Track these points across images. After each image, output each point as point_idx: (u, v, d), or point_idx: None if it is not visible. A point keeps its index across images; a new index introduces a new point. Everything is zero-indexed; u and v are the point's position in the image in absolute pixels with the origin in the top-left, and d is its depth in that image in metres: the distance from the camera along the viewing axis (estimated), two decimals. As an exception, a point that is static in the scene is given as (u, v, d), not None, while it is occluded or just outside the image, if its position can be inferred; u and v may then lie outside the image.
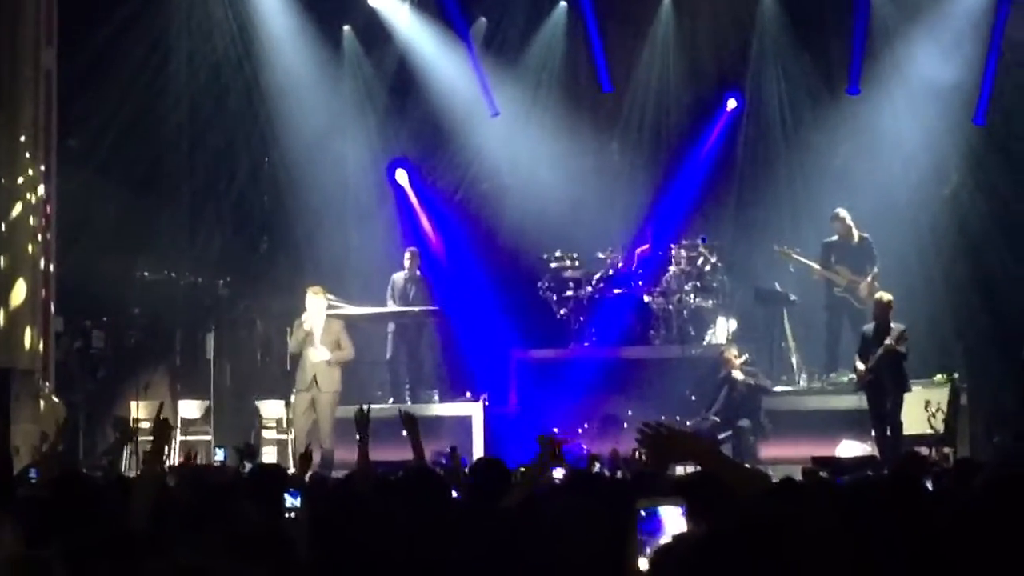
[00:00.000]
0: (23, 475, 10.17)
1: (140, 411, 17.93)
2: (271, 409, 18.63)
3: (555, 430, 16.71)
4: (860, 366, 16.21)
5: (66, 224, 17.79)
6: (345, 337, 16.80)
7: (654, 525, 3.37)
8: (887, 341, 15.79)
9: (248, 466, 10.53)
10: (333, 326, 16.80)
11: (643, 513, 3.39)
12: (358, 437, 8.67)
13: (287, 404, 18.33)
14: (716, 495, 4.33)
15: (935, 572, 3.26)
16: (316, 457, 15.96)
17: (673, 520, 3.38)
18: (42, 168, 17.26)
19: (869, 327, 16.40)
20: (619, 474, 10.77)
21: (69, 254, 17.86)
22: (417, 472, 6.79)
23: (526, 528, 4.58)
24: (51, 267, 17.34)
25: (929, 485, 7.76)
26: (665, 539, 3.26)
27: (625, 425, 17.58)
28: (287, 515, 5.98)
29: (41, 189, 17.19)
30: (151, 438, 7.45)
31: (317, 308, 16.69)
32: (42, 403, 16.56)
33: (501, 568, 3.43)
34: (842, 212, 18.54)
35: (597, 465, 11.89)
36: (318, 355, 16.47)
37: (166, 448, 7.44)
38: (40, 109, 17.29)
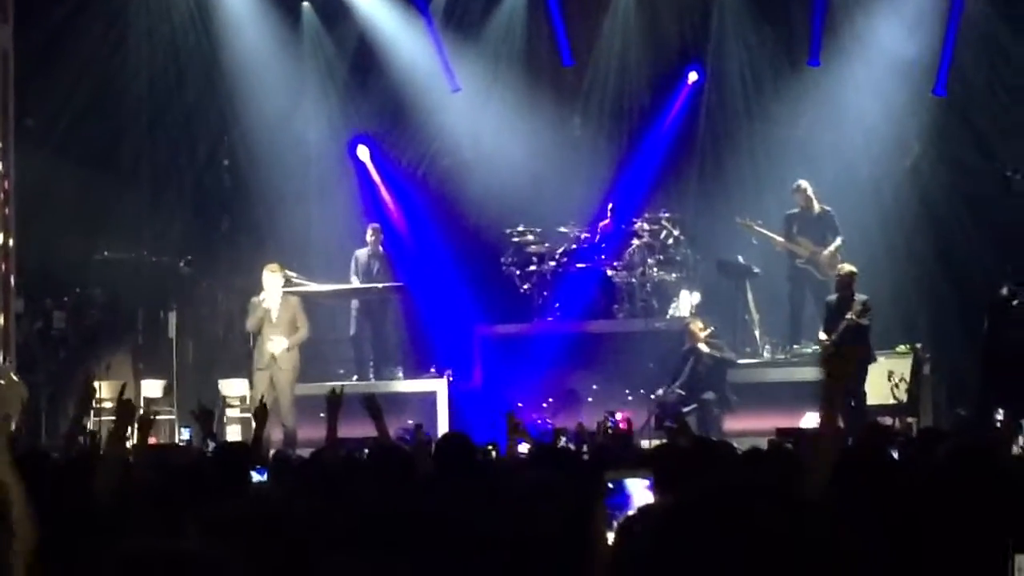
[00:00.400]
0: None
1: (102, 391, 17.82)
2: (234, 388, 18.56)
3: (519, 405, 16.74)
4: (823, 337, 16.28)
5: (25, 204, 17.66)
6: (301, 315, 16.76)
7: (621, 498, 3.36)
8: (849, 315, 15.85)
9: (211, 444, 10.47)
10: (290, 303, 16.76)
11: (610, 486, 3.38)
12: (327, 415, 8.62)
13: (250, 382, 18.28)
14: (682, 466, 4.33)
15: (903, 537, 3.26)
16: (278, 434, 15.98)
17: (639, 492, 3.38)
18: None
19: (832, 298, 16.48)
20: (584, 448, 10.78)
21: (29, 234, 17.74)
22: (383, 448, 6.77)
23: (492, 502, 4.56)
24: (10, 248, 17.22)
25: (895, 454, 7.80)
26: (631, 511, 3.25)
27: (590, 399, 17.61)
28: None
29: (-1, 170, 17.07)
30: (113, 418, 7.41)
31: (274, 286, 16.65)
32: (3, 384, 16.45)
33: (468, 542, 3.41)
34: (803, 183, 18.60)
35: (563, 439, 11.90)
36: (276, 346, 16.43)
37: (129, 428, 7.40)
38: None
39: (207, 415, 10.64)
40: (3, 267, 17.05)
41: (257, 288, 16.96)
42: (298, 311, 16.76)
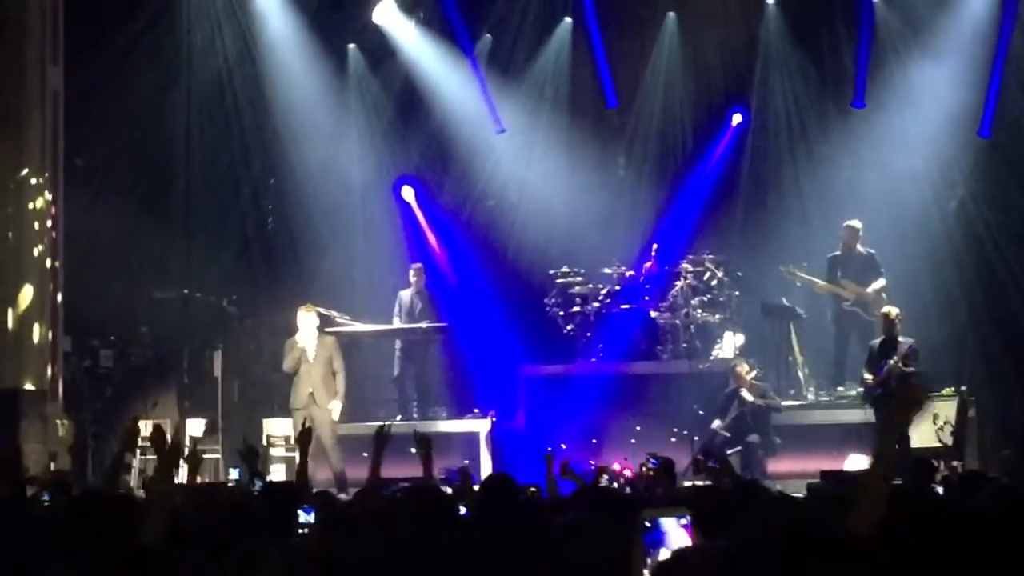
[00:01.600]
0: (37, 497, 10.19)
1: (148, 429, 17.92)
2: (278, 427, 18.65)
3: (563, 446, 16.72)
4: (868, 377, 16.26)
5: (73, 244, 17.83)
6: (337, 354, 16.98)
7: (656, 536, 3.38)
8: (892, 360, 15.82)
9: (258, 484, 10.53)
10: (326, 342, 16.94)
11: (647, 524, 3.41)
12: (372, 453, 8.64)
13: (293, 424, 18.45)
14: (723, 508, 4.34)
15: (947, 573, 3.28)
16: (321, 474, 16.02)
17: (675, 532, 3.40)
18: (48, 189, 17.31)
19: (876, 341, 16.44)
20: (627, 489, 10.77)
21: (77, 274, 17.89)
22: (423, 489, 6.80)
23: (532, 543, 4.59)
24: (59, 287, 17.38)
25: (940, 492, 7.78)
26: (667, 551, 3.27)
27: (633, 441, 17.57)
28: (300, 531, 6.00)
29: (49, 209, 17.24)
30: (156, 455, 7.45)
31: (308, 325, 16.83)
32: (50, 423, 16.59)
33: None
34: (855, 223, 18.54)
35: (605, 478, 11.88)
36: (334, 412, 16.70)
37: (175, 467, 7.44)
38: (47, 129, 17.36)
39: (253, 453, 10.70)
40: (52, 306, 17.22)
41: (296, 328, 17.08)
42: (334, 351, 16.93)
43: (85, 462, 17.35)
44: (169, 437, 6.44)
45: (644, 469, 12.55)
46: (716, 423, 17.34)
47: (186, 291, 19.94)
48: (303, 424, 9.98)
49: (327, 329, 17.61)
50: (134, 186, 19.33)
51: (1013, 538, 3.36)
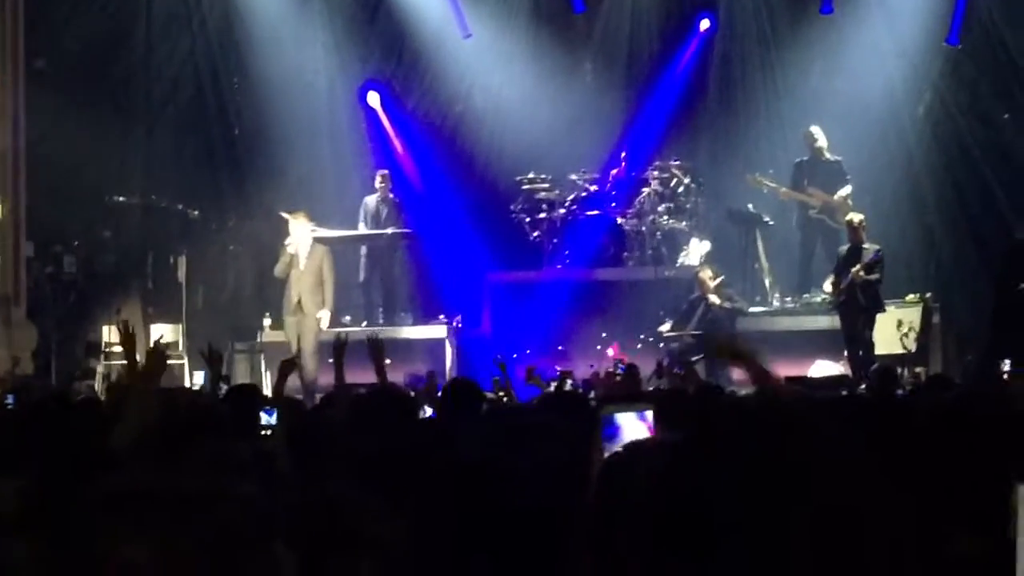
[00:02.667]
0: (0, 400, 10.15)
1: (112, 335, 17.89)
2: (240, 333, 18.74)
3: (528, 351, 16.77)
4: (828, 288, 16.35)
5: (34, 149, 17.65)
6: (328, 265, 16.89)
7: (611, 431, 3.37)
8: (854, 269, 15.86)
9: (224, 388, 10.50)
10: (317, 252, 16.86)
11: (604, 419, 3.40)
12: (334, 361, 8.62)
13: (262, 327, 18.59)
14: (684, 405, 4.33)
15: (909, 476, 3.28)
16: (295, 381, 16.04)
17: (631, 425, 3.38)
18: (9, 92, 17.10)
19: (843, 248, 16.47)
20: (592, 393, 10.80)
21: (38, 179, 17.73)
22: (386, 392, 6.78)
23: (495, 445, 4.58)
24: (20, 193, 17.23)
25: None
26: (620, 444, 3.25)
27: (599, 347, 17.62)
28: (263, 432, 5.98)
29: (9, 113, 17.04)
30: (126, 360, 7.41)
31: (300, 232, 16.78)
32: (13, 328, 16.51)
33: (470, 484, 3.42)
34: (814, 130, 18.61)
35: (568, 383, 11.91)
36: (322, 322, 16.66)
37: (159, 375, 7.40)
38: (6, 32, 17.12)
39: (217, 358, 10.63)
40: (13, 211, 17.07)
41: (266, 232, 17.04)
42: (325, 260, 16.87)
43: (48, 367, 17.28)
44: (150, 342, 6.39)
45: (611, 373, 12.60)
46: (664, 327, 17.46)
47: (151, 196, 19.81)
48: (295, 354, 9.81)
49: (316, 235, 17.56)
50: (95, 90, 19.11)
51: (975, 436, 3.35)
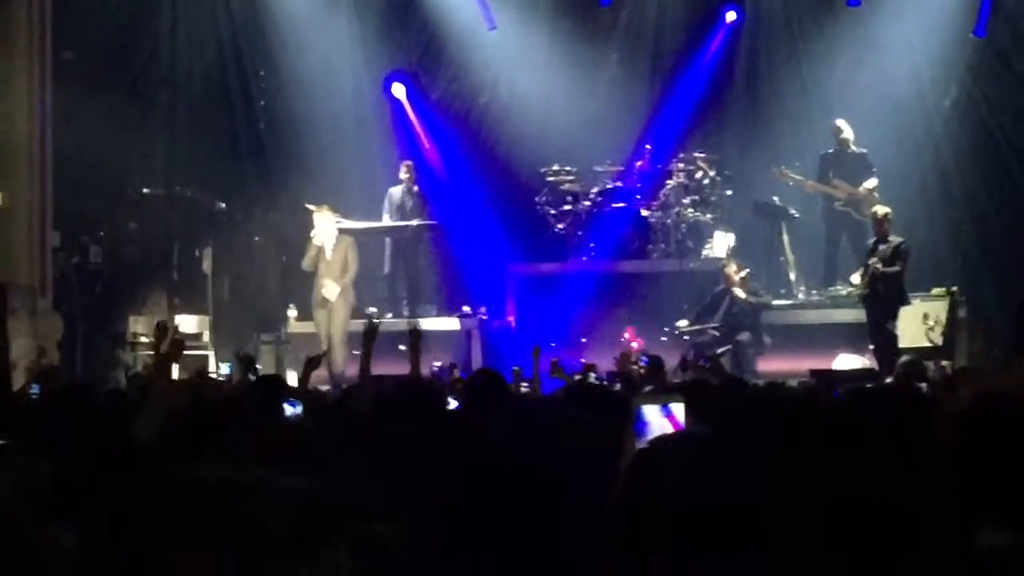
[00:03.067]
0: (25, 390, 10.19)
1: (138, 326, 17.97)
2: (265, 324, 18.81)
3: (552, 344, 16.75)
4: (856, 280, 16.29)
5: (62, 139, 17.68)
6: (352, 255, 17.11)
7: (639, 426, 3.37)
8: (873, 260, 15.79)
9: (252, 378, 10.55)
10: (343, 243, 17.02)
11: (635, 412, 3.39)
12: (363, 346, 8.63)
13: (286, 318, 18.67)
14: (710, 398, 4.31)
15: (934, 468, 3.27)
16: (321, 371, 16.11)
17: (656, 420, 3.37)
18: (36, 82, 17.14)
19: (870, 242, 16.42)
20: (617, 385, 10.78)
21: (66, 169, 17.77)
22: (412, 384, 6.79)
23: (521, 438, 4.57)
24: (47, 182, 17.27)
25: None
26: (648, 439, 3.25)
27: (623, 338, 17.61)
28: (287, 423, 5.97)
29: (37, 103, 17.08)
30: (153, 352, 7.46)
31: (325, 225, 16.99)
32: (39, 318, 16.56)
33: (495, 477, 3.42)
34: (840, 123, 18.54)
35: (592, 376, 11.90)
36: (330, 292, 16.84)
37: (175, 364, 7.44)
38: (34, 22, 17.15)
39: (250, 362, 10.66)
40: (41, 200, 17.12)
41: (292, 224, 17.15)
42: (350, 251, 17.06)
43: (74, 357, 17.34)
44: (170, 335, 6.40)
45: (635, 366, 12.58)
46: (681, 322, 17.45)
47: (176, 188, 19.84)
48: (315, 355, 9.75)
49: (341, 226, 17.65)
50: (123, 81, 19.15)
51: (982, 432, 3.35)
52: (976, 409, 3.52)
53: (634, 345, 15.64)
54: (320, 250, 16.91)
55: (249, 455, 4.08)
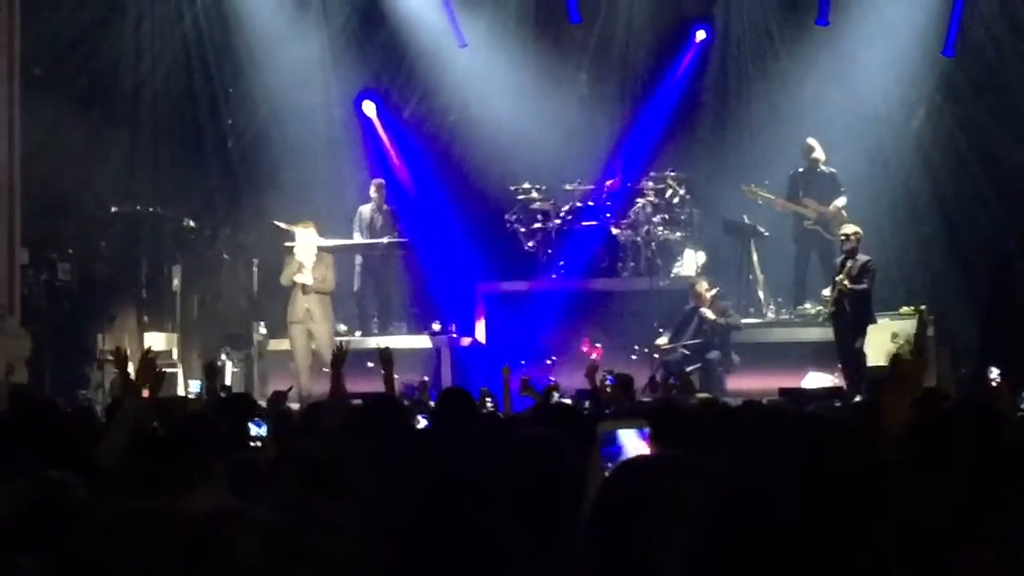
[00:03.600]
0: None
1: (106, 343, 17.89)
2: (236, 342, 18.72)
3: (522, 362, 16.74)
4: (826, 295, 16.32)
5: (30, 156, 17.61)
6: (331, 272, 17.10)
7: (614, 449, 3.36)
8: (839, 277, 15.83)
9: (223, 395, 10.52)
10: (323, 261, 17.05)
11: (605, 436, 3.39)
12: (332, 370, 8.57)
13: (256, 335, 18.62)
14: (681, 419, 4.32)
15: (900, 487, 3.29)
16: (320, 387, 16.07)
17: (632, 443, 3.37)
18: (4, 99, 17.07)
19: (837, 260, 16.46)
20: (585, 404, 10.78)
21: (33, 187, 17.70)
22: (381, 402, 6.77)
23: (490, 456, 4.57)
24: (15, 200, 17.19)
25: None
26: (617, 462, 3.25)
27: (583, 349, 17.62)
28: (252, 444, 5.97)
29: (5, 120, 17.01)
30: (122, 370, 7.41)
31: (306, 241, 16.95)
32: (7, 336, 16.48)
33: (462, 493, 3.41)
34: (813, 141, 18.60)
35: (555, 395, 11.89)
36: (302, 278, 16.67)
37: (148, 384, 7.40)
38: (2, 39, 17.08)
39: (212, 371, 10.66)
40: (8, 219, 17.04)
41: (260, 242, 17.08)
42: (329, 269, 17.04)
43: (43, 375, 17.26)
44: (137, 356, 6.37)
45: (603, 386, 12.56)
46: (661, 340, 17.47)
47: (147, 207, 19.79)
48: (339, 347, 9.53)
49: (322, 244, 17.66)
50: (91, 98, 19.11)
51: (967, 452, 3.36)
52: (922, 425, 3.54)
53: (594, 356, 15.64)
54: (300, 265, 16.83)
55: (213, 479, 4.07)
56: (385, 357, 8.91)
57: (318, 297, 16.85)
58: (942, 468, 3.32)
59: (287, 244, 17.37)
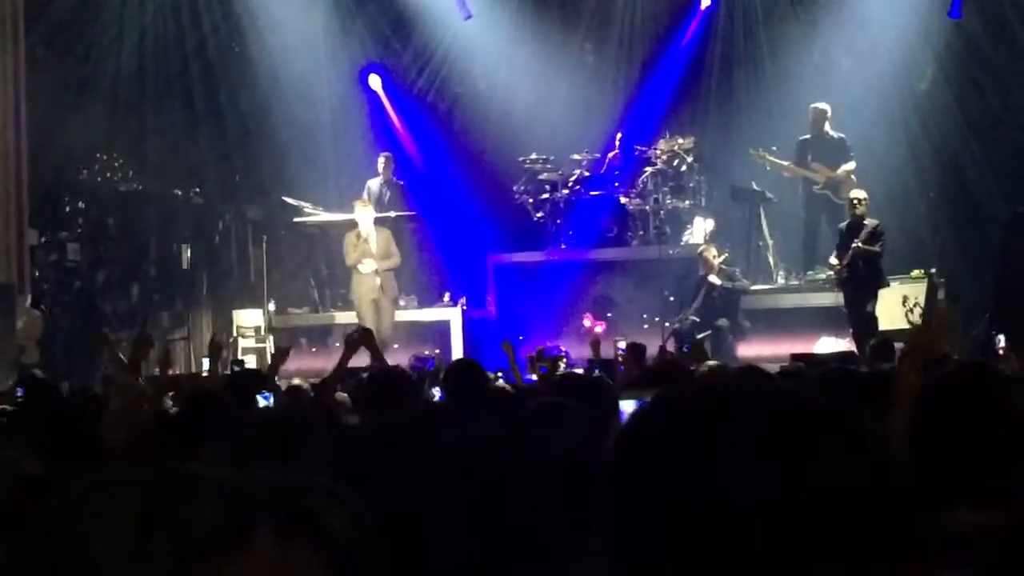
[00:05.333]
0: (11, 392, 10.18)
1: (119, 323, 17.95)
2: (248, 318, 18.66)
3: (520, 338, 16.73)
4: (834, 262, 16.26)
5: (37, 136, 17.61)
6: (393, 244, 17.50)
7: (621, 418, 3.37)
8: (855, 242, 15.80)
9: (231, 370, 10.58)
10: (383, 235, 17.41)
11: (622, 406, 3.40)
12: (343, 354, 8.46)
13: (265, 312, 18.58)
14: (687, 382, 4.29)
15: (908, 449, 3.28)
16: (296, 365, 16.10)
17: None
18: (11, 79, 17.07)
19: (843, 225, 16.42)
20: (596, 372, 10.78)
21: (42, 166, 17.70)
22: (386, 374, 6.78)
23: (502, 427, 4.56)
24: (24, 181, 17.19)
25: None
26: None
27: (585, 325, 17.63)
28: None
29: (12, 100, 17.01)
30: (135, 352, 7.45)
31: (366, 219, 17.41)
32: (18, 317, 16.51)
33: (476, 466, 3.41)
34: (822, 105, 18.53)
35: (562, 365, 11.88)
36: (366, 267, 17.11)
37: (142, 361, 7.43)
38: (7, 18, 17.07)
39: (216, 348, 10.66)
40: (18, 199, 17.05)
41: (270, 219, 17.09)
42: (391, 242, 17.45)
43: (54, 356, 17.29)
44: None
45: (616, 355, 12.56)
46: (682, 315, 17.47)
47: (154, 183, 19.79)
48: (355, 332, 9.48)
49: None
50: (98, 77, 19.07)
51: (971, 411, 3.35)
52: (932, 387, 3.53)
53: (597, 330, 15.65)
54: (366, 245, 17.04)
55: (224, 450, 4.06)
56: (355, 340, 8.69)
57: (386, 273, 17.26)
58: (943, 430, 3.31)
59: (321, 221, 17.52)
